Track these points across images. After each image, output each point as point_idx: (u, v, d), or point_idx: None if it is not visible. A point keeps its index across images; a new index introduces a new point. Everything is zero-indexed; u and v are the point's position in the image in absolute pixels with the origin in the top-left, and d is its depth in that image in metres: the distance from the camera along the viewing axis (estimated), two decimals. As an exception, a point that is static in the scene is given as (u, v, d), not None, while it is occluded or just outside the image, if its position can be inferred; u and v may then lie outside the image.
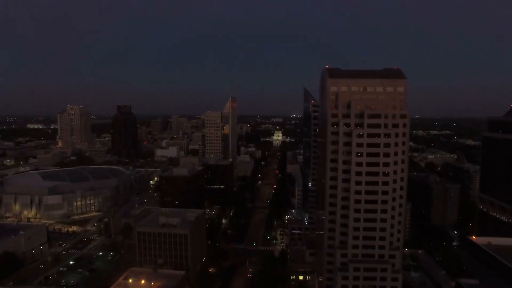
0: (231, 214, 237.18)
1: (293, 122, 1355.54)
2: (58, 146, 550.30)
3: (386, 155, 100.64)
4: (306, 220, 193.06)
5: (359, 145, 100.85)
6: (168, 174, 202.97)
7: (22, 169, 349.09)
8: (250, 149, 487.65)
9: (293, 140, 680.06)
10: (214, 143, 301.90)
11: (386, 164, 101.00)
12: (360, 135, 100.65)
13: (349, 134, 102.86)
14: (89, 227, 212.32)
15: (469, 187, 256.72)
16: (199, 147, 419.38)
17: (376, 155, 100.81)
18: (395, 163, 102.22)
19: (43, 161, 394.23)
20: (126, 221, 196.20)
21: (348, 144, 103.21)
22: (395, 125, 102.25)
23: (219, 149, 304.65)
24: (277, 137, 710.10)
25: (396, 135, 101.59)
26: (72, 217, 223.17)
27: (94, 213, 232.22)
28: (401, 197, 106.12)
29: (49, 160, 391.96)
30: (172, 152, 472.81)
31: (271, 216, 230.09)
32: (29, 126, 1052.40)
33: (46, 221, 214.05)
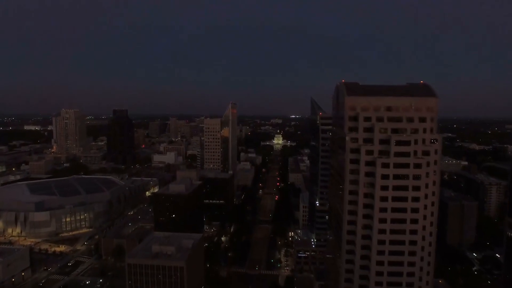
0: (231, 230, 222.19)
1: (292, 123, 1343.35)
2: (52, 150, 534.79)
3: (416, 188, 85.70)
4: (313, 241, 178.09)
5: (385, 177, 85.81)
6: (163, 191, 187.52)
7: (12, 177, 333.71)
8: (250, 154, 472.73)
9: (294, 144, 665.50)
10: (213, 152, 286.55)
11: (415, 199, 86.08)
12: (385, 166, 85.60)
13: (371, 163, 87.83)
14: (78, 247, 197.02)
15: (483, 201, 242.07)
16: (198, 153, 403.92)
17: (405, 188, 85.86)
18: (426, 196, 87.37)
19: (35, 168, 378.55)
20: (118, 242, 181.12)
21: (370, 174, 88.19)
22: (426, 153, 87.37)
23: (218, 158, 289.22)
24: (278, 141, 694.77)
25: (427, 164, 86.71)
26: (60, 235, 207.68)
27: (84, 230, 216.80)
28: (431, 234, 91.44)
29: (41, 168, 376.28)
30: (169, 158, 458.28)
31: (275, 234, 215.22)
32: (26, 127, 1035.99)
33: (32, 240, 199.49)
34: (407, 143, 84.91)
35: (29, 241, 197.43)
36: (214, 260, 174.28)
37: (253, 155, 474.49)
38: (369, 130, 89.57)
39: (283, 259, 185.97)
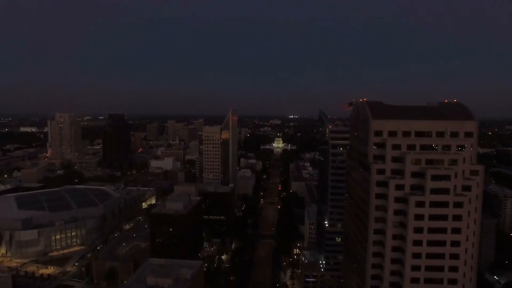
0: (233, 247, 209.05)
1: (291, 124, 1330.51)
2: (47, 155, 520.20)
3: (456, 231, 72.81)
4: (322, 263, 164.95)
5: (419, 217, 72.96)
6: (160, 210, 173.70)
7: (2, 187, 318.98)
8: (250, 160, 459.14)
9: (294, 147, 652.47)
10: (213, 161, 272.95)
11: (455, 244, 73.16)
12: (420, 204, 72.62)
13: (402, 200, 74.86)
14: (69, 268, 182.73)
15: (498, 214, 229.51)
16: (196, 159, 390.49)
17: (443, 231, 72.98)
18: (467, 239, 74.42)
19: (27, 176, 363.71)
20: (111, 265, 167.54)
21: (400, 213, 75.29)
22: (467, 188, 74.46)
23: (218, 168, 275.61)
24: (278, 144, 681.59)
25: (469, 201, 73.76)
26: (49, 254, 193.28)
27: (76, 248, 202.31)
28: (471, 280, 78.48)
29: (33, 176, 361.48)
30: (167, 163, 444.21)
31: (279, 251, 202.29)
32: (22, 129, 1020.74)
33: (18, 260, 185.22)
34: (447, 177, 71.80)
35: (14, 262, 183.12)
36: (214, 284, 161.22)
37: (253, 160, 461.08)
38: (399, 160, 76.59)
39: (289, 283, 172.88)
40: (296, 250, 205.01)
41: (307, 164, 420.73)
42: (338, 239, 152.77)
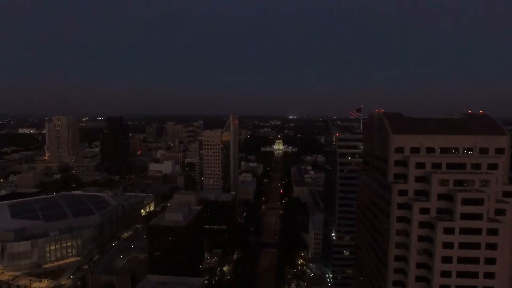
0: (235, 258, 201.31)
1: (291, 125, 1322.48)
2: (44, 158, 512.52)
3: (490, 261, 65.08)
4: (328, 277, 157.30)
5: (448, 245, 65.23)
6: (158, 222, 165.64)
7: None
8: (251, 164, 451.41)
9: (295, 149, 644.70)
10: (213, 167, 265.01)
11: (489, 275, 65.45)
12: (449, 231, 64.90)
13: (428, 225, 67.15)
14: (63, 281, 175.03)
15: None
16: (196, 163, 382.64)
17: (475, 261, 65.24)
18: (502, 269, 66.66)
19: (23, 181, 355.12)
20: (108, 279, 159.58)
21: (425, 239, 67.57)
22: (500, 212, 66.78)
23: (219, 174, 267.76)
24: (278, 146, 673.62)
25: (504, 226, 66.04)
26: (43, 266, 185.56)
27: (71, 259, 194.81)
28: (501, 313, 70.65)
29: (29, 180, 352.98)
30: (167, 167, 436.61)
31: (282, 261, 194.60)
32: (20, 131, 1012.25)
33: (10, 273, 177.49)
34: (479, 201, 64.01)
35: (6, 275, 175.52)
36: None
37: (254, 164, 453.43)
38: (423, 180, 68.87)
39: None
40: (300, 260, 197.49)
41: (309, 167, 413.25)
42: (346, 253, 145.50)
